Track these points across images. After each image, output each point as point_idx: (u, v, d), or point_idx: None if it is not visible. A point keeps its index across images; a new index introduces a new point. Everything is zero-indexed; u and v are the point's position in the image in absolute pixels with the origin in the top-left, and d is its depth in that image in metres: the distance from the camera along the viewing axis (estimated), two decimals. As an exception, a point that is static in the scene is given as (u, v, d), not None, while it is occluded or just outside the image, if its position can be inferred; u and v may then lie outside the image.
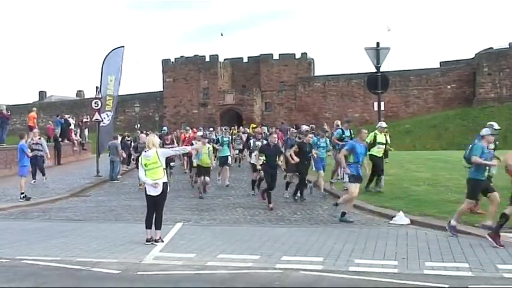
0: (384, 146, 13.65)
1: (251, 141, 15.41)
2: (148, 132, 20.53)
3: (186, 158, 19.97)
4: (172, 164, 17.14)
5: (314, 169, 14.24)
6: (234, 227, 10.26)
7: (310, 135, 13.61)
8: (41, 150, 17.87)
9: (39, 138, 18.38)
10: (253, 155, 14.76)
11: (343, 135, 14.98)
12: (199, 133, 17.97)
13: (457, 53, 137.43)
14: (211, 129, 24.79)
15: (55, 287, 6.35)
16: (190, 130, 23.17)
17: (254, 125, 19.55)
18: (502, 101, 48.33)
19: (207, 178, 14.36)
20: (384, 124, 13.83)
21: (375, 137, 13.39)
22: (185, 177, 19.18)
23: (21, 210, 13.10)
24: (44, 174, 18.25)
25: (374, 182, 13.39)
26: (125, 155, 20.99)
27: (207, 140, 14.92)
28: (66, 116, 30.06)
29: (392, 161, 18.34)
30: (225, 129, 21.50)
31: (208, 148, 14.35)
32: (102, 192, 16.85)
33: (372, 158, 13.15)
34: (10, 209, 13.17)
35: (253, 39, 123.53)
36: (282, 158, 13.30)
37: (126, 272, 6.85)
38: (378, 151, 13.31)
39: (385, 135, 14.06)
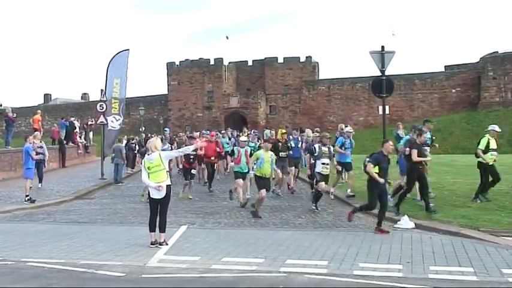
0: (496, 153, 11.82)
1: (316, 146, 12.72)
2: (153, 135, 20.39)
3: (202, 165, 17.08)
4: (193, 171, 15.05)
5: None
6: (239, 230, 10.27)
7: (425, 135, 11.74)
8: (43, 154, 17.35)
9: (41, 141, 17.65)
10: (319, 162, 12.53)
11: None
12: (243, 138, 15.31)
13: (462, 57, 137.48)
14: (223, 131, 23.38)
15: (60, 288, 6.37)
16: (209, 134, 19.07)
17: (284, 131, 16.82)
18: (507, 105, 48.21)
19: (264, 191, 11.70)
20: (497, 128, 12.03)
21: (488, 142, 11.75)
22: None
23: (26, 213, 13.12)
24: (40, 182, 17.51)
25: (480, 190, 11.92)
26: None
27: (270, 146, 12.81)
28: (71, 119, 30.18)
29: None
30: (253, 132, 19.16)
31: (271, 155, 12.10)
32: (107, 194, 16.87)
33: (484, 166, 11.74)
34: (15, 211, 13.20)
35: (257, 43, 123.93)
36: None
37: (130, 274, 6.87)
38: (490, 158, 11.68)
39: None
